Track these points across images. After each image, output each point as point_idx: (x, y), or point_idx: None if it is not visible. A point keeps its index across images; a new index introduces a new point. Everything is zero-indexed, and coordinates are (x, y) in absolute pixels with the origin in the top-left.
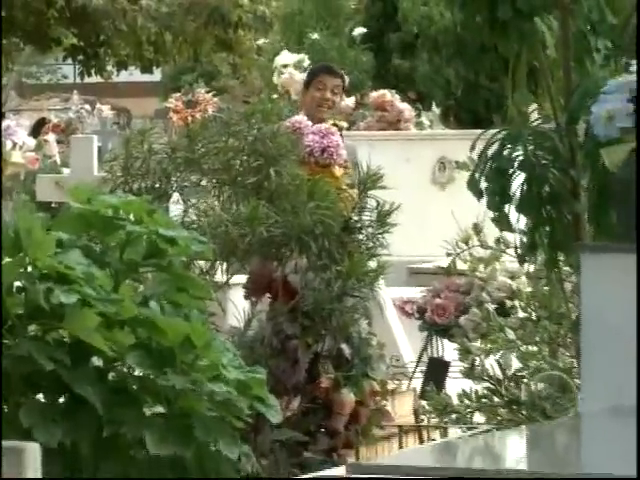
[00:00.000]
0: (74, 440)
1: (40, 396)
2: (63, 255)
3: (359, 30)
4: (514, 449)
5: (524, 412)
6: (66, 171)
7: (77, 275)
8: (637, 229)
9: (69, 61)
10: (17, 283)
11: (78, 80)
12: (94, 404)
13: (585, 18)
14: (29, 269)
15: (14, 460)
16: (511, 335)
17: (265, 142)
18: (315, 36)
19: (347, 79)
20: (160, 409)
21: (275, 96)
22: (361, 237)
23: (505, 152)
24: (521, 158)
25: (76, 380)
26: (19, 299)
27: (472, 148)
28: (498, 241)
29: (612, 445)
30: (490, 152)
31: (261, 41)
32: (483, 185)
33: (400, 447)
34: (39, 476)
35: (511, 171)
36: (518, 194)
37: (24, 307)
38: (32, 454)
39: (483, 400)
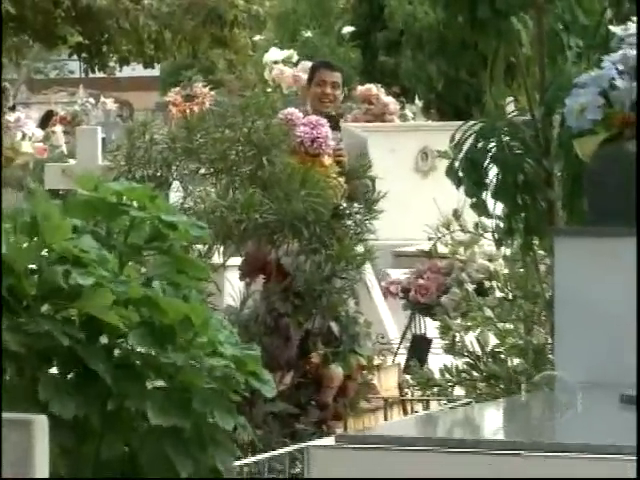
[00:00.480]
0: (84, 412)
1: (52, 371)
2: (77, 240)
3: (348, 29)
4: (492, 420)
5: (502, 386)
6: (72, 160)
7: (91, 258)
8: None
9: (75, 57)
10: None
11: (83, 75)
12: (104, 378)
13: (558, 18)
14: (44, 252)
15: (24, 432)
16: (489, 313)
17: (259, 133)
18: (308, 34)
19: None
20: (161, 383)
21: (269, 90)
22: (349, 223)
23: (480, 144)
24: (495, 150)
25: (89, 356)
26: (33, 281)
27: (452, 139)
28: (477, 226)
29: (583, 416)
30: (467, 144)
31: (257, 37)
32: (461, 174)
33: (385, 419)
34: (47, 447)
35: (486, 162)
36: (495, 182)
37: (38, 288)
38: (40, 426)
39: (463, 374)
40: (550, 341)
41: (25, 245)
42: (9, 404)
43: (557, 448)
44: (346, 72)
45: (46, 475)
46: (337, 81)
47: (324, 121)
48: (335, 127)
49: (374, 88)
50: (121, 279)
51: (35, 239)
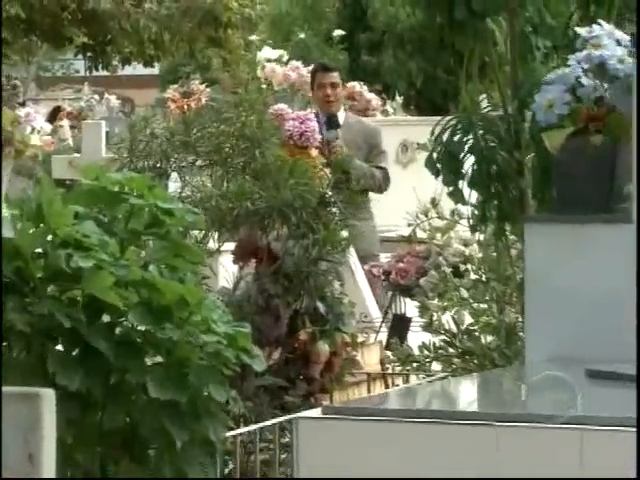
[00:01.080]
0: (87, 385)
1: (58, 348)
2: (79, 225)
3: (338, 32)
4: (466, 393)
5: (476, 361)
6: (78, 153)
7: (92, 243)
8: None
9: (80, 57)
10: (37, 250)
11: (88, 73)
12: (106, 355)
13: (528, 20)
14: (49, 238)
15: (33, 404)
16: (464, 294)
17: (251, 127)
18: (301, 35)
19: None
20: (159, 359)
21: (263, 86)
22: (334, 210)
23: (457, 137)
24: (471, 142)
25: (91, 334)
26: (39, 264)
27: (432, 133)
28: (453, 213)
29: (550, 389)
30: (444, 137)
31: (253, 37)
32: (439, 165)
33: (368, 392)
34: (54, 418)
35: (462, 154)
36: (470, 172)
37: (44, 271)
38: (48, 399)
39: (440, 351)
40: (520, 320)
41: (31, 230)
42: (19, 379)
43: (525, 419)
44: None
45: (54, 444)
46: (335, 81)
47: (312, 116)
48: (336, 125)
49: (357, 86)
50: (121, 262)
51: (41, 225)
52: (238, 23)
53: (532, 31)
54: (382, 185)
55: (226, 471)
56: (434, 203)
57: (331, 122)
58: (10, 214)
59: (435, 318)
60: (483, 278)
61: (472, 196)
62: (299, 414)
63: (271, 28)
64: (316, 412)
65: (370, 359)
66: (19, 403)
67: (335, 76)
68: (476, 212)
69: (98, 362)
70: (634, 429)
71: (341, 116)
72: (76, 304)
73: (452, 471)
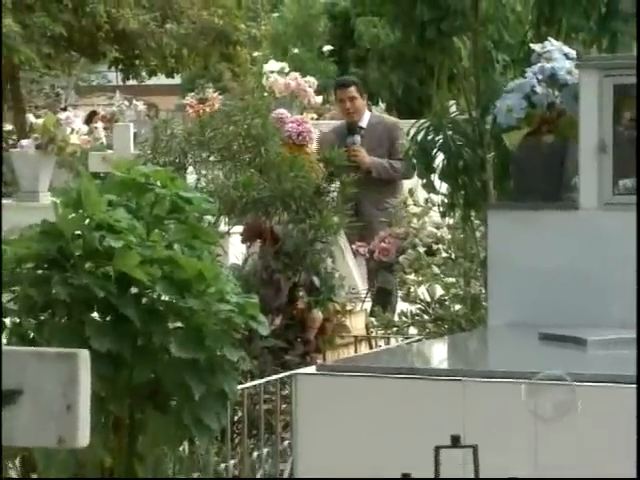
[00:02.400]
0: (118, 347)
1: (94, 315)
2: (112, 211)
3: (327, 47)
4: (438, 353)
5: (446, 326)
6: (110, 150)
7: (122, 226)
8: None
9: (113, 69)
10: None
11: (119, 83)
12: (134, 321)
13: (489, 38)
14: (86, 222)
15: (71, 363)
16: (436, 270)
17: (257, 128)
18: (296, 51)
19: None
20: (180, 324)
21: (265, 94)
22: (328, 199)
23: (429, 137)
24: (441, 141)
25: (121, 303)
26: (78, 244)
27: (408, 133)
28: (426, 201)
29: (509, 349)
30: (419, 137)
31: (256, 53)
32: (415, 160)
33: (355, 352)
34: (89, 375)
35: (434, 151)
36: (440, 166)
37: (82, 250)
38: (84, 358)
39: (416, 317)
40: (484, 291)
41: (71, 216)
42: (60, 342)
43: (488, 375)
44: (325, 81)
45: (89, 396)
46: (352, 95)
47: (308, 119)
48: (355, 132)
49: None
50: (147, 243)
51: (79, 211)
52: (245, 41)
53: (493, 47)
54: (406, 174)
55: (235, 418)
56: (411, 193)
57: (351, 129)
58: (54, 202)
59: (412, 290)
60: (452, 256)
61: (442, 187)
62: (297, 371)
63: (272, 45)
64: (311, 369)
65: (357, 324)
66: (59, 362)
67: (352, 90)
68: (446, 200)
69: (127, 327)
70: (581, 383)
71: (366, 117)
72: (109, 278)
73: (426, 418)
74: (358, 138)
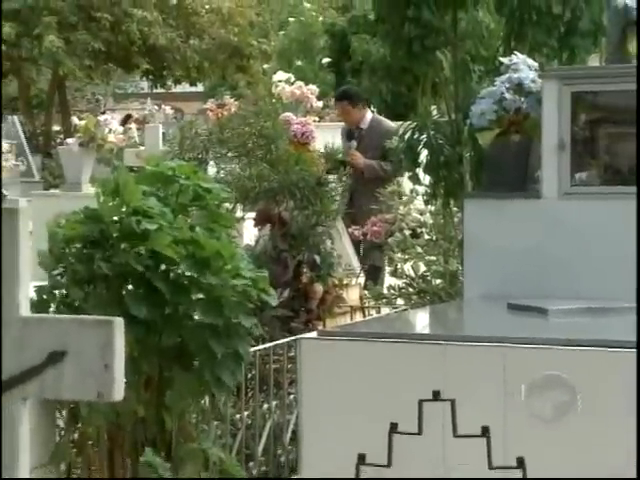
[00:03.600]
0: (150, 314)
1: (130, 287)
2: (146, 200)
3: (326, 59)
4: (422, 321)
5: (428, 298)
6: (142, 147)
7: (155, 212)
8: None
9: (144, 79)
10: (115, 217)
11: (150, 90)
12: (163, 292)
13: (467, 52)
14: (124, 208)
15: (108, 329)
16: (420, 250)
17: (267, 129)
18: (299, 63)
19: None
20: (202, 295)
21: (274, 100)
22: (327, 188)
23: (415, 136)
24: (425, 140)
25: (154, 277)
26: (116, 227)
27: (396, 134)
28: (412, 191)
29: (482, 317)
30: (406, 136)
31: (266, 65)
32: (402, 156)
33: (351, 320)
34: (123, 339)
35: (419, 148)
36: (424, 161)
37: (120, 232)
38: (119, 325)
39: (402, 290)
40: (460, 268)
41: (111, 203)
42: (101, 310)
43: (464, 339)
44: (325, 89)
45: (123, 358)
46: (343, 107)
47: (310, 121)
48: (352, 137)
49: None
50: (174, 226)
51: (117, 199)
52: (257, 55)
53: (470, 60)
54: (394, 174)
55: (249, 376)
56: (398, 184)
57: (350, 134)
58: (95, 191)
59: (399, 267)
60: (433, 238)
61: (426, 179)
62: (301, 336)
63: (279, 58)
64: (313, 334)
65: (352, 296)
66: (99, 327)
67: (344, 104)
68: (428, 190)
69: (158, 298)
70: (543, 346)
71: (367, 119)
72: (142, 256)
73: (411, 377)
74: (354, 143)
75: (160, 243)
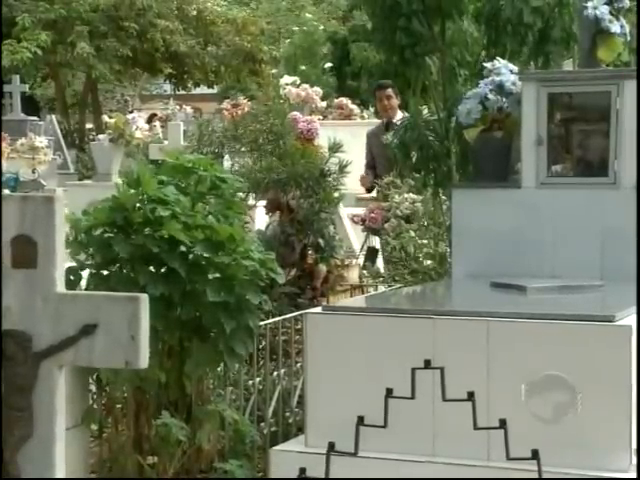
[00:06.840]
0: (169, 292)
1: (150, 268)
2: (162, 189)
3: (328, 64)
4: (414, 297)
5: (420, 277)
6: (165, 142)
7: (170, 199)
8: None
9: (167, 82)
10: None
11: (173, 92)
12: (180, 272)
13: (453, 57)
14: (142, 196)
15: (134, 304)
16: (412, 234)
17: (277, 126)
18: (303, 68)
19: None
20: (217, 275)
21: (283, 101)
22: (330, 179)
23: (407, 133)
24: (416, 136)
25: (170, 259)
26: (138, 214)
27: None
28: (405, 182)
29: (468, 294)
30: (399, 133)
31: (274, 70)
32: (396, 150)
33: (351, 296)
34: (147, 313)
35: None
36: (416, 155)
37: (141, 218)
38: (144, 300)
39: (397, 270)
40: (449, 250)
41: (132, 191)
42: (125, 287)
43: (452, 313)
44: (328, 90)
45: (147, 330)
46: (388, 94)
47: (315, 119)
48: (387, 129)
49: (344, 100)
50: (189, 212)
51: (138, 188)
52: (268, 60)
53: (456, 64)
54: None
55: (260, 346)
56: (394, 175)
57: (388, 127)
58: (117, 182)
59: (394, 249)
60: (425, 223)
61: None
62: (307, 310)
63: (285, 63)
64: (318, 309)
65: (352, 276)
66: (125, 303)
67: (389, 91)
68: (420, 181)
69: (176, 277)
70: (521, 320)
71: (399, 115)
72: (161, 239)
73: (405, 347)
74: (388, 137)
75: (173, 227)
